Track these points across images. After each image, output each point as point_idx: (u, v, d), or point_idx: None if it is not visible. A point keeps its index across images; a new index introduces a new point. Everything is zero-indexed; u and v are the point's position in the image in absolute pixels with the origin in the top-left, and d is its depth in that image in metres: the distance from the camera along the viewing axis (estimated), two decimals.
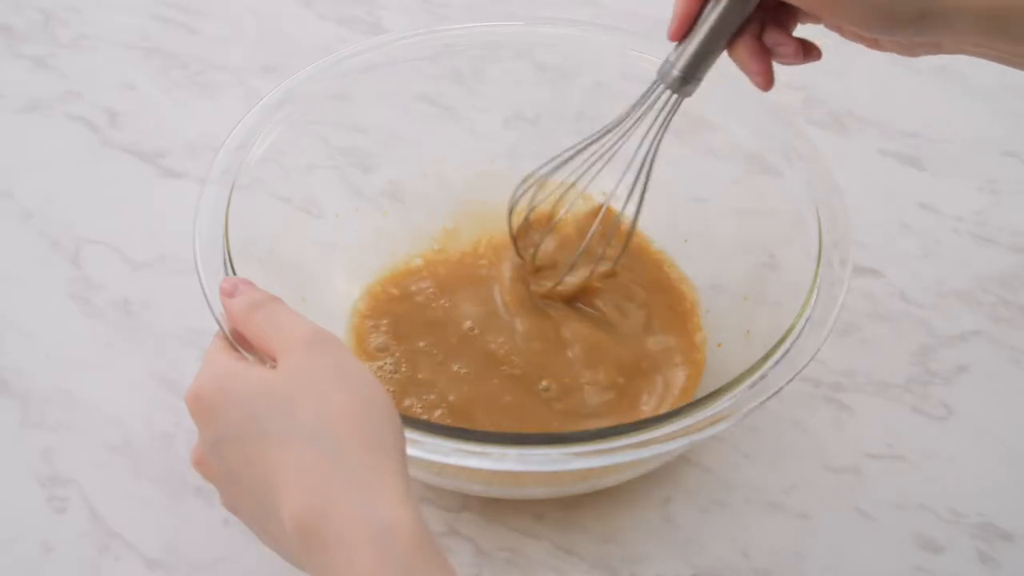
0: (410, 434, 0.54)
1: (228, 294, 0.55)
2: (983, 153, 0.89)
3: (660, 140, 0.64)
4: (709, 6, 0.59)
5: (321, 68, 0.73)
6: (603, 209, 0.70)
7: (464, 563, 0.65)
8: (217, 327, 0.56)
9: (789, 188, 0.69)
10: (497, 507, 0.67)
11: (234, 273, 0.61)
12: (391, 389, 0.69)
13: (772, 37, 0.59)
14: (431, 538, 0.46)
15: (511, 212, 0.72)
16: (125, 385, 0.73)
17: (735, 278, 0.73)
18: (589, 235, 0.70)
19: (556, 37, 0.77)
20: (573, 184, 0.68)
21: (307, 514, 0.46)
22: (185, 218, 0.64)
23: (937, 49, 0.57)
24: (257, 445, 0.49)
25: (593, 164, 0.67)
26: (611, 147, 0.66)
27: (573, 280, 0.72)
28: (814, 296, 0.62)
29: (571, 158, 0.68)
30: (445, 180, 0.79)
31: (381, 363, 0.70)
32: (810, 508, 0.68)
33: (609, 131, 0.66)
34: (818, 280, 0.62)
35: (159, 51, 0.96)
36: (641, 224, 0.69)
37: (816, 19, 0.58)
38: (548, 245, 0.74)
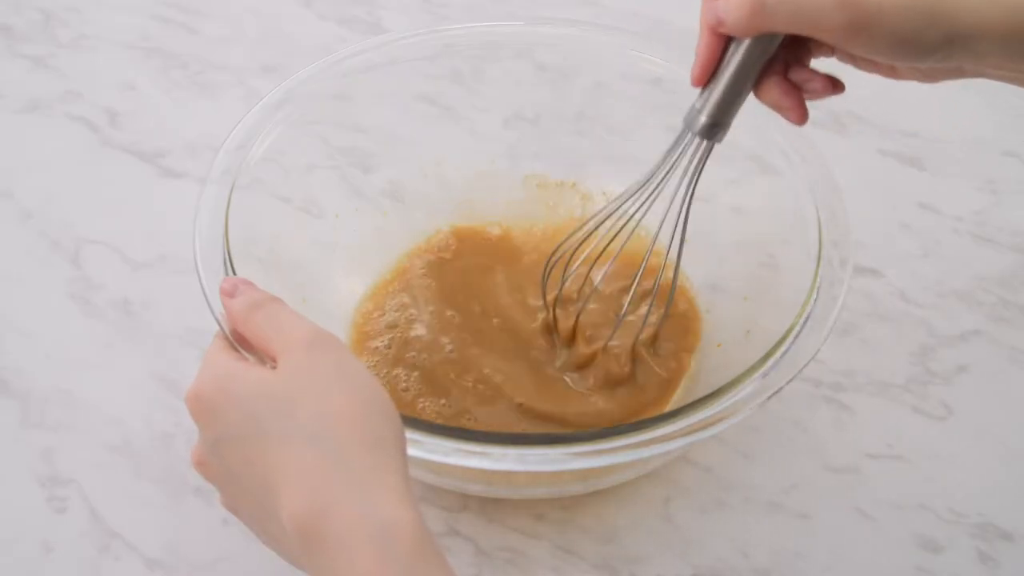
0: (410, 434, 0.54)
1: (228, 294, 0.55)
2: (983, 153, 0.89)
3: (694, 191, 0.63)
4: (732, 48, 0.57)
5: (321, 68, 0.73)
6: (641, 269, 0.67)
7: (464, 563, 0.65)
8: (217, 327, 0.56)
9: (789, 188, 0.69)
10: (497, 507, 0.67)
11: (234, 273, 0.61)
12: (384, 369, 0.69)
13: (799, 74, 0.57)
14: (431, 538, 0.46)
15: (545, 281, 0.70)
16: (125, 385, 0.73)
17: (735, 278, 0.73)
18: (626, 305, 0.68)
19: (556, 37, 0.77)
20: (607, 247, 0.67)
21: (307, 514, 0.46)
22: (185, 218, 0.64)
23: (959, 74, 0.56)
24: (257, 445, 0.49)
25: (626, 224, 0.65)
26: (643, 204, 0.64)
27: (612, 347, 0.70)
28: (814, 296, 0.62)
29: (602, 222, 0.66)
30: (445, 180, 0.79)
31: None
32: (810, 508, 0.68)
33: (640, 188, 0.64)
34: (818, 280, 0.62)
35: (159, 51, 0.96)
36: (642, 222, 0.69)
37: (830, 52, 0.57)
38: (585, 315, 0.71)
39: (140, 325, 0.76)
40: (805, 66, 0.58)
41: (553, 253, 0.69)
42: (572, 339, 0.71)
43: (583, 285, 0.71)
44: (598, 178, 0.79)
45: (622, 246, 0.66)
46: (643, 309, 0.70)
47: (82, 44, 0.97)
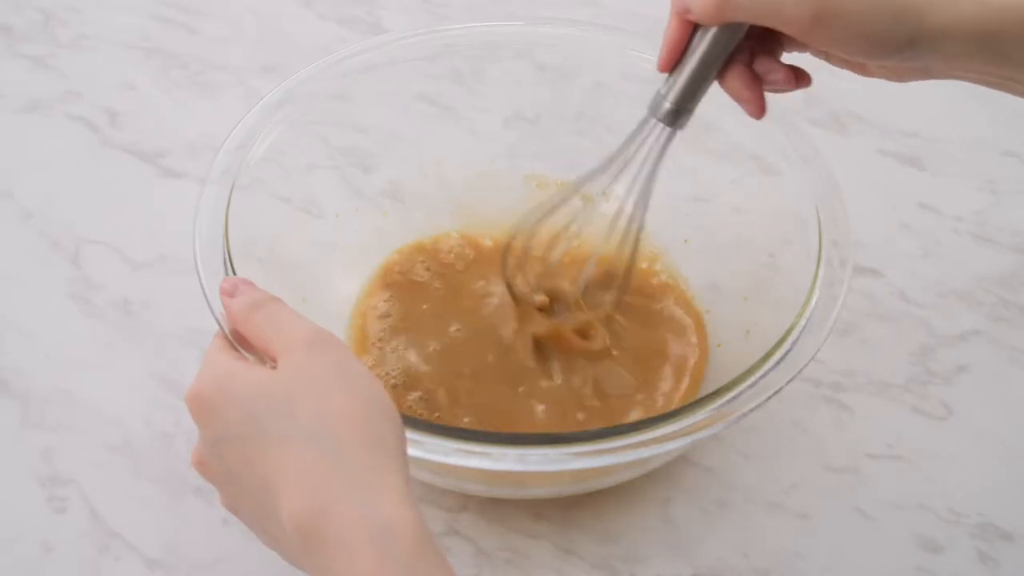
0: (410, 434, 0.54)
1: (228, 294, 0.55)
2: (983, 153, 0.89)
3: (655, 176, 0.63)
4: (698, 35, 0.57)
5: (321, 68, 0.73)
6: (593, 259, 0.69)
7: (464, 563, 0.65)
8: (217, 327, 0.56)
9: (789, 188, 0.69)
10: (497, 507, 0.67)
11: (234, 273, 0.61)
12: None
13: (763, 65, 0.58)
14: (431, 538, 0.46)
15: (506, 257, 0.71)
16: (125, 385, 0.73)
17: (735, 278, 0.73)
18: (584, 279, 0.69)
19: (556, 37, 0.77)
20: (568, 226, 0.67)
21: (307, 514, 0.46)
22: (185, 218, 0.64)
23: (926, 74, 0.56)
24: (257, 445, 0.49)
25: (588, 204, 0.66)
26: (606, 185, 0.65)
27: (572, 320, 0.71)
28: (814, 296, 0.62)
29: (565, 199, 0.66)
30: (445, 180, 0.79)
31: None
32: (810, 508, 0.68)
33: (603, 170, 0.65)
34: (818, 280, 0.62)
35: (159, 51, 0.96)
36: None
37: (803, 47, 0.57)
38: (546, 286, 0.72)
39: (140, 325, 0.76)
40: (771, 57, 0.58)
41: (512, 238, 0.69)
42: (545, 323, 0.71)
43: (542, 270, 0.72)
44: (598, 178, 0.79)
45: (578, 230, 0.67)
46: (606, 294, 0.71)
47: (82, 44, 0.97)
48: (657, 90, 0.60)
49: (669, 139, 0.62)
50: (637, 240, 0.68)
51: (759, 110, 0.58)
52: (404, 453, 0.49)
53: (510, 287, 0.72)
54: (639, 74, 0.75)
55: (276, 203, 0.72)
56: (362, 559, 0.44)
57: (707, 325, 0.73)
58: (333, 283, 0.74)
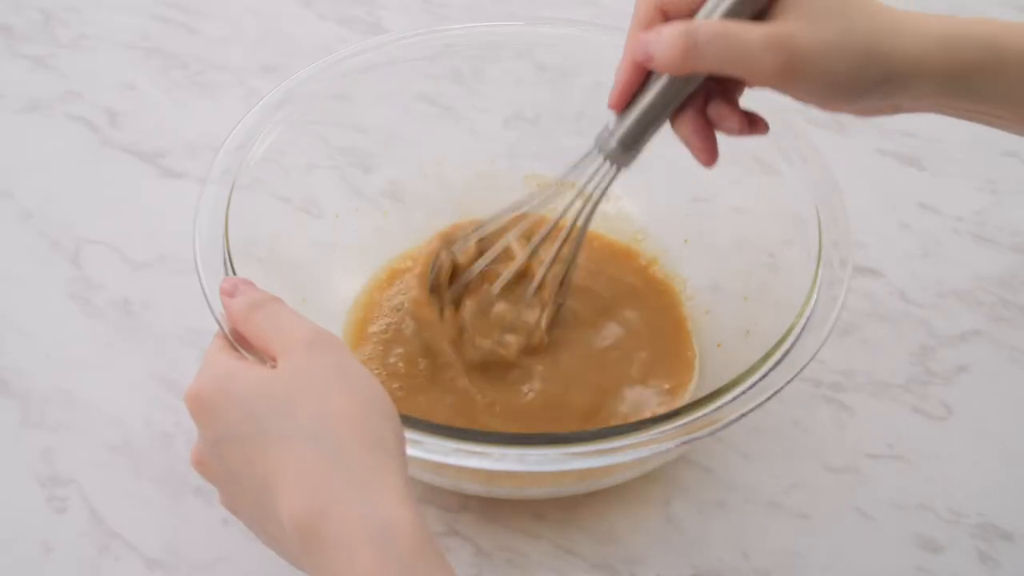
0: (410, 434, 0.54)
1: (228, 294, 0.55)
2: (983, 153, 0.89)
3: (594, 210, 0.62)
4: (652, 77, 0.56)
5: (321, 68, 0.73)
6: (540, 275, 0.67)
7: (464, 563, 0.65)
8: (217, 327, 0.56)
9: (789, 188, 0.69)
10: (497, 507, 0.67)
11: (234, 273, 0.61)
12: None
13: (717, 110, 0.56)
14: (431, 538, 0.46)
15: (427, 286, 0.69)
16: (125, 385, 0.73)
17: (735, 278, 0.73)
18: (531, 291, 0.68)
19: (556, 37, 0.77)
20: (505, 250, 0.67)
21: (307, 514, 0.46)
22: (185, 218, 0.64)
23: (895, 110, 0.55)
24: (257, 445, 0.49)
25: (526, 232, 0.65)
26: (546, 216, 0.63)
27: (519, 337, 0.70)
28: (814, 296, 0.62)
29: (504, 228, 0.65)
30: (445, 180, 0.79)
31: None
32: (810, 508, 0.68)
33: (542, 200, 0.63)
34: (818, 280, 0.62)
35: (159, 51, 0.96)
36: (642, 223, 0.69)
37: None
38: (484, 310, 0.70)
39: (140, 325, 0.76)
40: (726, 101, 0.56)
41: (438, 251, 0.68)
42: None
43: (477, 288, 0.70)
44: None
45: (523, 259, 0.66)
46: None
47: (82, 44, 0.97)
48: (606, 124, 0.59)
49: (614, 177, 0.60)
50: (569, 270, 0.66)
51: (710, 158, 0.56)
52: (404, 453, 0.49)
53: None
54: None
55: (276, 203, 0.72)
56: (362, 559, 0.44)
57: (707, 325, 0.73)
58: (333, 283, 0.74)
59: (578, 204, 0.63)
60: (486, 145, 0.80)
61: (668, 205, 0.74)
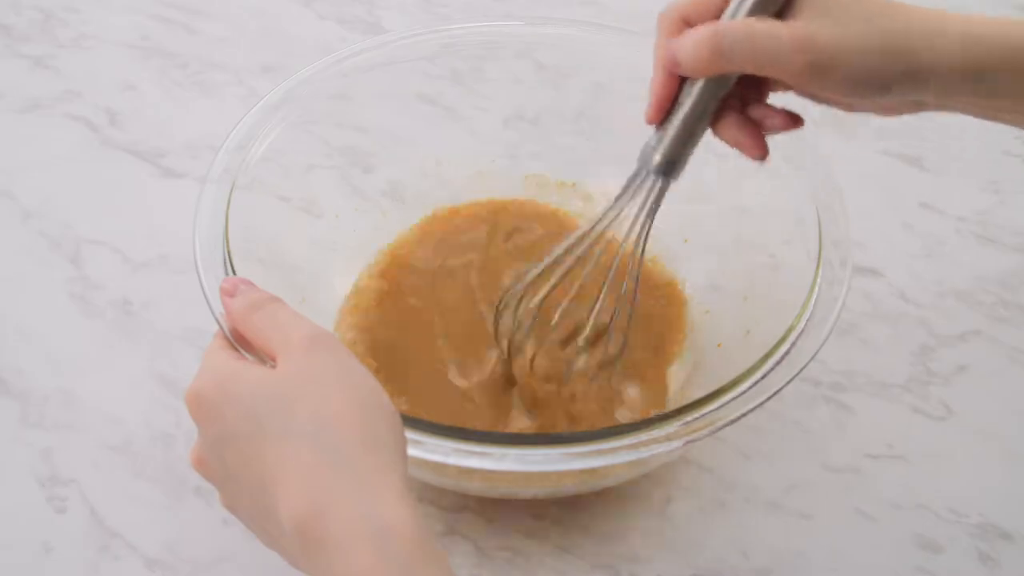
0: (410, 434, 0.54)
1: (228, 294, 0.55)
2: (985, 153, 0.89)
3: (649, 229, 0.61)
4: (686, 86, 0.56)
5: (321, 68, 0.73)
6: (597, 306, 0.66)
7: (464, 563, 0.65)
8: (217, 327, 0.56)
9: (789, 188, 0.69)
10: (497, 507, 0.67)
11: (234, 273, 0.61)
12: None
13: (758, 111, 0.57)
14: (431, 538, 0.46)
15: (498, 315, 0.67)
16: (125, 385, 0.73)
17: (735, 278, 0.73)
18: (581, 342, 0.67)
19: (556, 37, 0.77)
20: (560, 281, 0.64)
21: (306, 514, 0.46)
22: (185, 218, 0.64)
23: (918, 107, 0.56)
24: (256, 445, 0.49)
25: (582, 259, 0.63)
26: (600, 240, 0.62)
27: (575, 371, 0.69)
28: (814, 296, 0.62)
29: (560, 258, 0.63)
30: (445, 180, 0.79)
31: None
32: (810, 508, 0.68)
33: (594, 226, 0.62)
34: (818, 280, 0.62)
35: (159, 51, 0.96)
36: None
37: (789, 89, 0.56)
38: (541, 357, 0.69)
39: (140, 325, 0.76)
40: (763, 102, 0.57)
41: (505, 293, 0.66)
42: (530, 384, 0.69)
43: (537, 325, 0.67)
44: (598, 178, 0.79)
45: (578, 287, 0.64)
46: (598, 351, 0.68)
47: (82, 44, 0.97)
48: (647, 141, 0.59)
49: (663, 191, 0.59)
50: (635, 293, 0.65)
51: (763, 152, 0.57)
52: (403, 453, 0.49)
53: (501, 349, 0.69)
54: (639, 74, 0.75)
55: (276, 203, 0.72)
56: (361, 559, 0.44)
57: (707, 325, 0.73)
58: (333, 283, 0.74)
59: (635, 229, 0.61)
60: (486, 145, 0.80)
61: (668, 204, 0.73)
